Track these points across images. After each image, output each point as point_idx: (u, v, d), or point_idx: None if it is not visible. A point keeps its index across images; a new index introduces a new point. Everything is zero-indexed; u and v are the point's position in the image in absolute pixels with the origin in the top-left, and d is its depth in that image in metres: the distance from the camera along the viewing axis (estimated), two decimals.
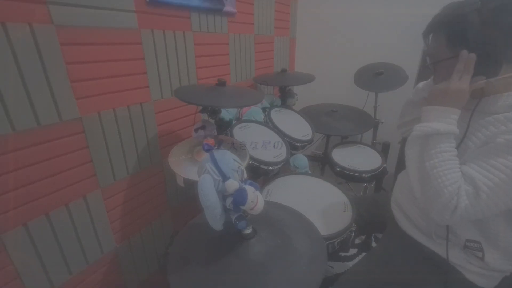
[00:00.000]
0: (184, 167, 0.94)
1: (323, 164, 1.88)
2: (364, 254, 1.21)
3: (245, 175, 0.65)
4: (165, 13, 1.08)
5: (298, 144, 1.37)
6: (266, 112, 1.47)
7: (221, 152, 0.63)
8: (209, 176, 0.59)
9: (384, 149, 1.85)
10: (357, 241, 1.20)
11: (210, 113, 1.05)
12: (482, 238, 0.71)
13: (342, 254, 1.13)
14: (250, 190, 0.59)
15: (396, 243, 0.89)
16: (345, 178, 1.54)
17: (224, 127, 1.23)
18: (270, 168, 1.13)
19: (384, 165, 1.54)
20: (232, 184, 0.59)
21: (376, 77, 1.72)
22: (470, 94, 0.70)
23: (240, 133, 1.24)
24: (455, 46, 0.67)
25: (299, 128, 1.50)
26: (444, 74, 0.73)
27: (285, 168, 1.38)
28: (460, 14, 0.65)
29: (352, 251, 1.20)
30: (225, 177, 0.59)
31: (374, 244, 1.20)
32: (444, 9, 0.71)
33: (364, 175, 1.47)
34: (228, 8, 1.37)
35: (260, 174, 1.16)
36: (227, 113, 1.31)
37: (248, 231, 0.65)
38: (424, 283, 0.73)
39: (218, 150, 0.63)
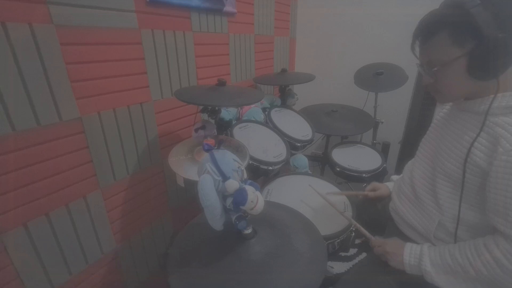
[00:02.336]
0: (184, 167, 0.94)
1: (323, 164, 1.88)
2: (364, 254, 1.20)
3: (245, 175, 0.65)
4: (165, 13, 1.08)
5: (298, 144, 1.37)
6: (266, 112, 1.47)
7: (221, 152, 0.62)
8: (209, 176, 0.59)
9: (384, 149, 1.85)
10: (357, 241, 1.20)
11: (210, 113, 1.05)
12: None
13: (342, 254, 1.13)
14: (250, 190, 0.59)
15: None
16: (345, 178, 1.54)
17: (224, 127, 1.23)
18: (270, 168, 1.13)
19: (384, 165, 1.54)
20: (232, 184, 0.59)
21: (376, 77, 1.73)
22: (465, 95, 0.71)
23: (240, 133, 1.24)
24: (464, 42, 0.63)
25: (299, 128, 1.50)
26: (450, 80, 0.69)
27: (285, 168, 1.38)
28: (462, 8, 0.61)
29: (352, 251, 1.19)
30: (225, 177, 0.59)
31: None
32: (436, 11, 0.68)
33: (364, 175, 1.47)
34: (228, 8, 1.37)
35: (260, 174, 1.16)
36: (227, 113, 1.31)
37: (248, 231, 0.65)
38: (426, 283, 0.73)
39: (218, 150, 0.63)
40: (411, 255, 0.75)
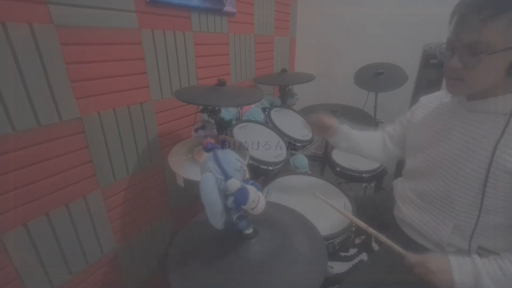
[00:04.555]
0: (184, 167, 0.94)
1: (323, 164, 1.88)
2: (364, 254, 1.20)
3: (247, 175, 0.65)
4: (165, 13, 1.08)
5: (298, 144, 1.37)
6: (266, 112, 1.47)
7: (224, 152, 0.62)
8: (211, 175, 0.59)
9: None
10: (357, 241, 1.20)
11: (210, 113, 1.05)
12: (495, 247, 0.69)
13: (342, 254, 1.13)
14: (251, 190, 0.59)
15: (401, 245, 0.87)
16: (345, 178, 1.54)
17: (224, 127, 1.23)
18: (270, 168, 1.13)
19: (384, 165, 1.54)
20: (234, 183, 0.59)
21: (376, 77, 1.73)
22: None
23: (240, 133, 1.24)
24: None
25: (299, 128, 1.50)
26: (486, 71, 0.60)
27: (285, 168, 1.38)
28: None
29: (352, 251, 1.20)
30: (227, 176, 0.59)
31: (374, 244, 1.20)
32: None
33: (364, 175, 1.47)
34: (228, 8, 1.37)
35: (260, 174, 1.16)
36: (227, 113, 1.31)
37: (249, 231, 0.65)
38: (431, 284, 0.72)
39: (221, 149, 0.63)
40: (462, 273, 0.64)
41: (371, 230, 0.80)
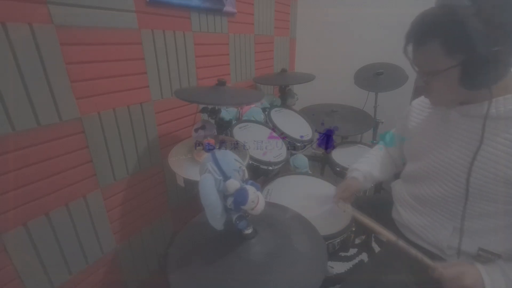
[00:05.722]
0: (184, 167, 0.94)
1: (323, 164, 1.88)
2: (364, 254, 1.20)
3: (246, 175, 0.65)
4: (165, 13, 1.08)
5: (298, 144, 1.37)
6: (266, 112, 1.47)
7: (222, 152, 0.63)
8: (210, 175, 0.59)
9: None
10: (357, 241, 1.20)
11: (210, 113, 1.05)
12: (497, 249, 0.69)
13: (342, 254, 1.13)
14: (251, 190, 0.59)
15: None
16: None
17: (224, 127, 1.23)
18: (270, 168, 1.13)
19: None
20: (233, 184, 0.59)
21: (376, 77, 1.72)
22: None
23: (240, 133, 1.24)
24: (456, 53, 0.60)
25: (299, 128, 1.50)
26: (442, 87, 0.67)
27: (285, 168, 1.38)
28: (455, 18, 0.56)
29: (352, 251, 1.19)
30: (226, 177, 0.59)
31: (374, 244, 1.20)
32: (428, 15, 0.63)
33: None
34: (228, 8, 1.37)
35: (260, 174, 1.16)
36: (227, 113, 1.31)
37: (249, 231, 0.65)
38: (436, 282, 0.71)
39: (220, 149, 0.63)
40: (494, 283, 0.64)
41: (401, 244, 0.75)
